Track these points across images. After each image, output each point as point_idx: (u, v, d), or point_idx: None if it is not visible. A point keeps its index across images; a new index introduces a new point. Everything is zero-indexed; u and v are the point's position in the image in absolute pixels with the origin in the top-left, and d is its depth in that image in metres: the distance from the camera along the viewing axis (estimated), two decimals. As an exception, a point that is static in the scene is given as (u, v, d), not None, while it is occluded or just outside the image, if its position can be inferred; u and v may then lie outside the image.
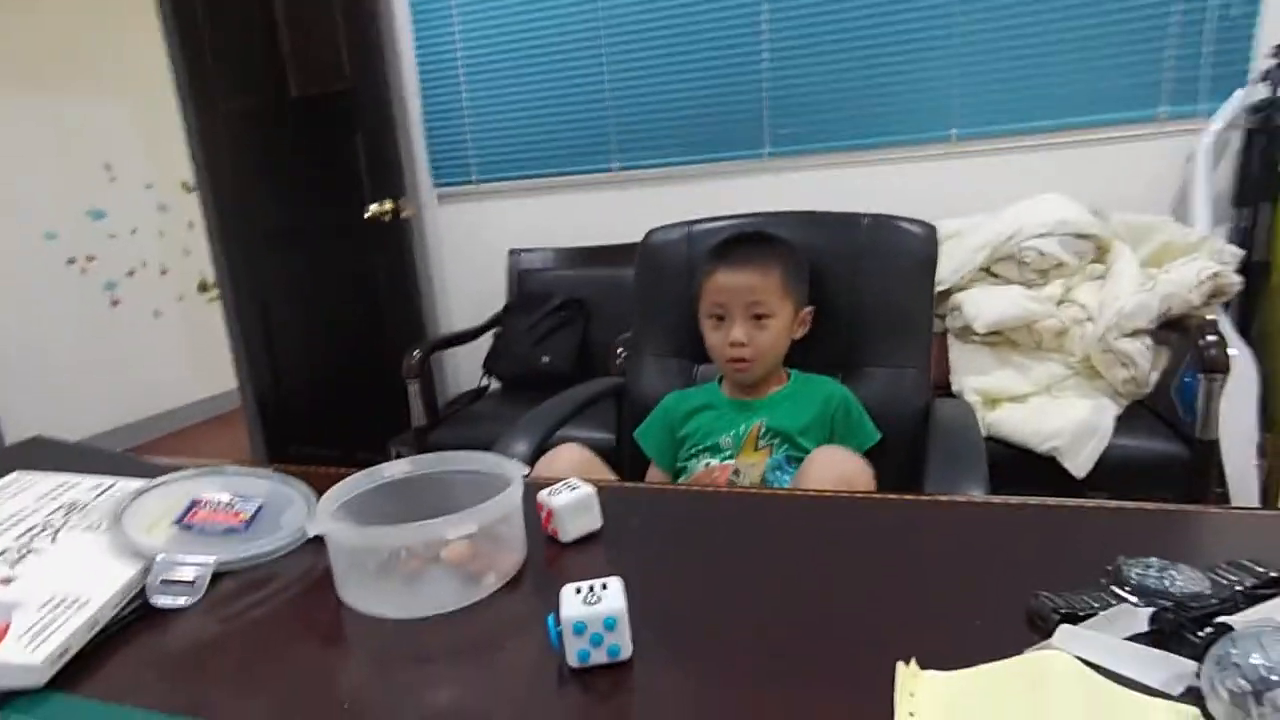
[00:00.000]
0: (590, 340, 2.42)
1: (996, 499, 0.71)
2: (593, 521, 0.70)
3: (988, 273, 1.92)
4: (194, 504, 0.70)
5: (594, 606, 0.50)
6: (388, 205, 2.63)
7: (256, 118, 2.82)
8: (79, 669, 0.54)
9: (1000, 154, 2.16)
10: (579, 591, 0.52)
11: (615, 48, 2.44)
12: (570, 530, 0.68)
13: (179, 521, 0.68)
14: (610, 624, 0.50)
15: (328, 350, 2.95)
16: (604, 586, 0.52)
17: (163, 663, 0.55)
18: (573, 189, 2.61)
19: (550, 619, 0.51)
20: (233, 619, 0.60)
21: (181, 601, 0.61)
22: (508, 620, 0.58)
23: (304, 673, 0.53)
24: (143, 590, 0.61)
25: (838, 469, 1.00)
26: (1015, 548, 0.62)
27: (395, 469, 0.71)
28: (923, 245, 1.28)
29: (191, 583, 0.62)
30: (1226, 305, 1.84)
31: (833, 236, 1.32)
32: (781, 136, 2.33)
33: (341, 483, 0.67)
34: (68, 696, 0.51)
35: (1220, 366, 1.54)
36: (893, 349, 1.28)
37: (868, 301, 1.28)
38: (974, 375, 1.85)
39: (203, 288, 3.95)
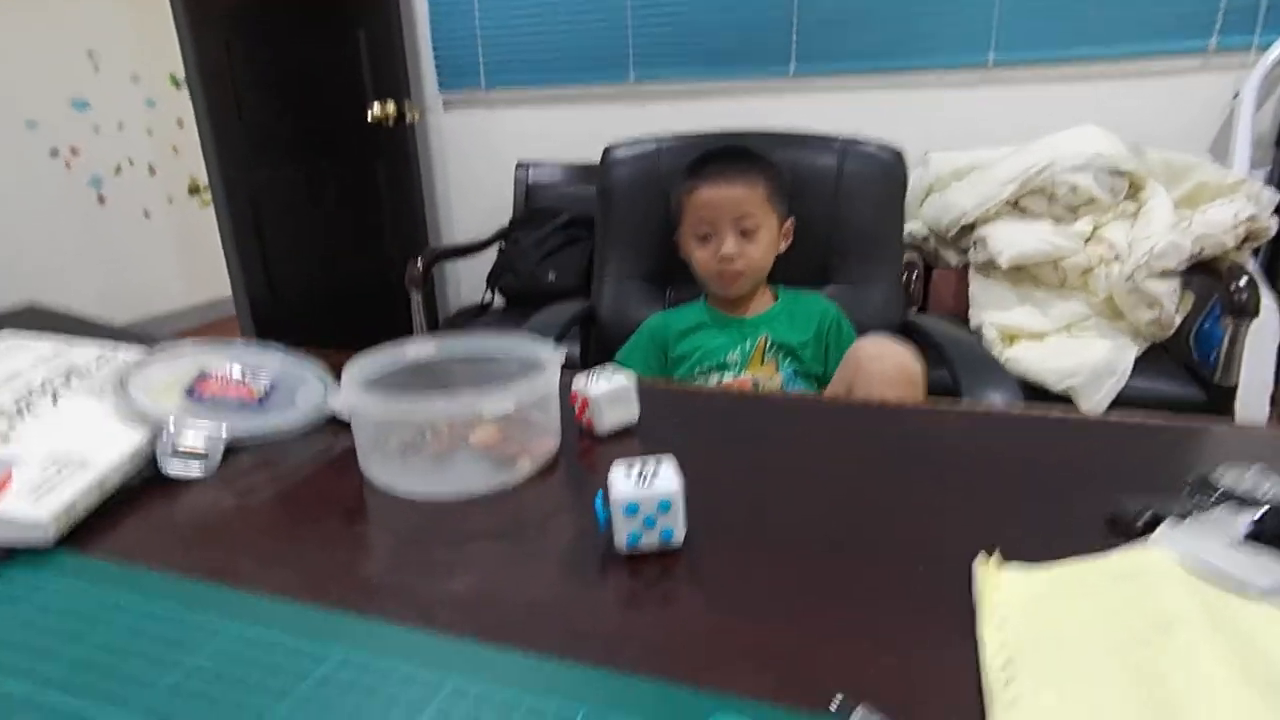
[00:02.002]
0: (598, 259, 2.36)
1: (1055, 411, 0.68)
2: (630, 414, 0.66)
3: (1014, 206, 1.86)
4: (203, 375, 0.65)
5: (648, 488, 0.46)
6: (390, 108, 2.53)
7: (253, 8, 2.68)
8: (87, 531, 0.50)
9: (1038, 82, 2.08)
10: (630, 471, 0.48)
11: (638, -50, 2.31)
12: (607, 421, 0.64)
13: (188, 392, 0.63)
14: (665, 506, 0.46)
15: (325, 258, 2.87)
16: (656, 466, 0.48)
17: (178, 529, 0.51)
18: (587, 100, 2.50)
19: (598, 500, 0.47)
20: (249, 492, 0.56)
21: (195, 471, 0.57)
22: (544, 505, 0.55)
23: (329, 546, 0.49)
24: (152, 457, 0.57)
25: (894, 360, 0.98)
26: (1087, 459, 0.58)
27: (420, 350, 0.67)
28: (892, 169, 1.34)
29: (204, 454, 0.58)
30: (1256, 251, 1.80)
31: (807, 158, 1.33)
32: (809, 54, 2.22)
33: (364, 360, 0.63)
34: (77, 555, 0.47)
35: (1251, 311, 1.50)
36: (866, 265, 1.32)
37: (842, 220, 1.32)
38: (994, 310, 1.81)
39: (193, 190, 3.83)
